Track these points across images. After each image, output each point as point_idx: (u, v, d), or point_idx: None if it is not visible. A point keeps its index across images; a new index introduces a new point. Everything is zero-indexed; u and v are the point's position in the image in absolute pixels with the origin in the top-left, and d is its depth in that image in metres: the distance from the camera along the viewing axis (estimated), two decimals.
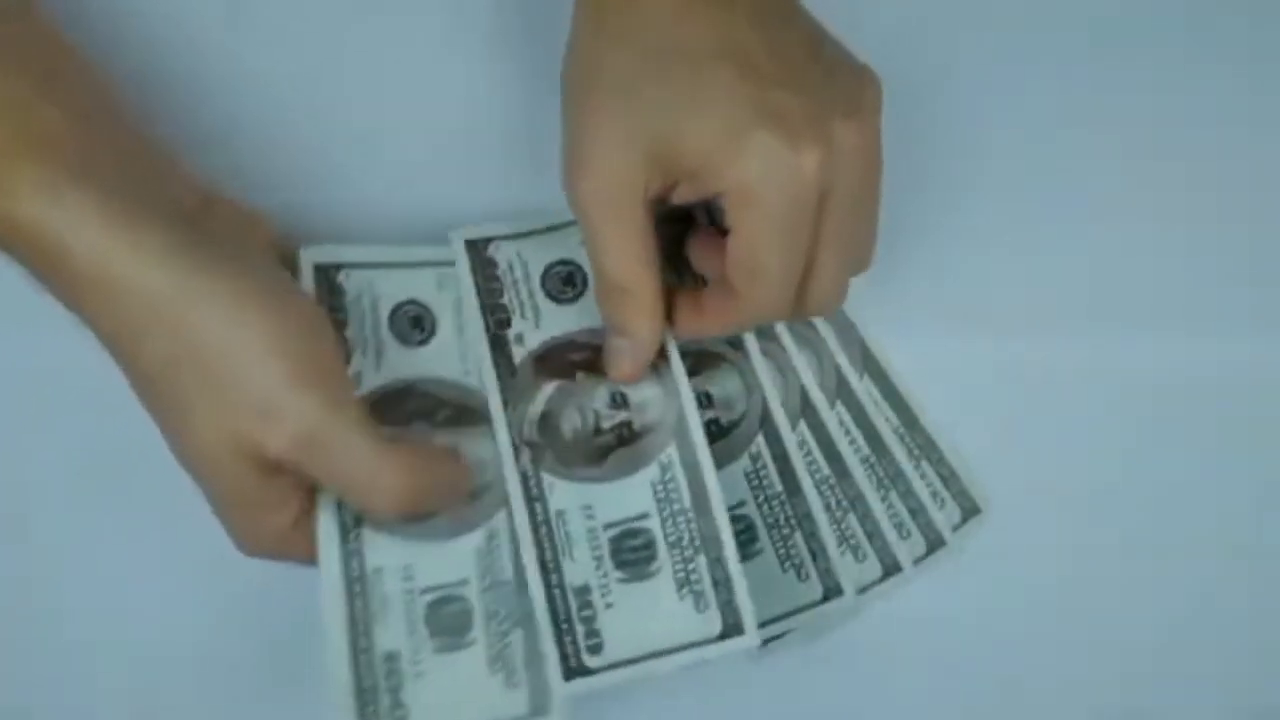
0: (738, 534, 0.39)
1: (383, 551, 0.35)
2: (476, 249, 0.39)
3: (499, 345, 0.38)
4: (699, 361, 0.41)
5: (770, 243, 0.32)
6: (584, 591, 0.35)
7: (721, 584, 0.35)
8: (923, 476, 0.43)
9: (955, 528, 0.43)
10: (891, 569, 0.41)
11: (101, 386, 0.38)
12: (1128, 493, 0.43)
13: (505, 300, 0.39)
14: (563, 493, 0.36)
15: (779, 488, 0.41)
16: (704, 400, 0.40)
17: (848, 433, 0.43)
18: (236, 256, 0.32)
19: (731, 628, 0.34)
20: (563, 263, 0.40)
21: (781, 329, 0.43)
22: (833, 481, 0.42)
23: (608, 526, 0.36)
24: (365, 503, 0.33)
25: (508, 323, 0.38)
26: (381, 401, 0.37)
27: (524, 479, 0.36)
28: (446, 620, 0.35)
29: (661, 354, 0.37)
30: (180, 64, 0.41)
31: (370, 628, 0.34)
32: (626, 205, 0.33)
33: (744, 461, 0.40)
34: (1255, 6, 0.46)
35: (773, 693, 0.42)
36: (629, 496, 0.36)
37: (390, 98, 0.42)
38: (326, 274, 0.38)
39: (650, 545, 0.35)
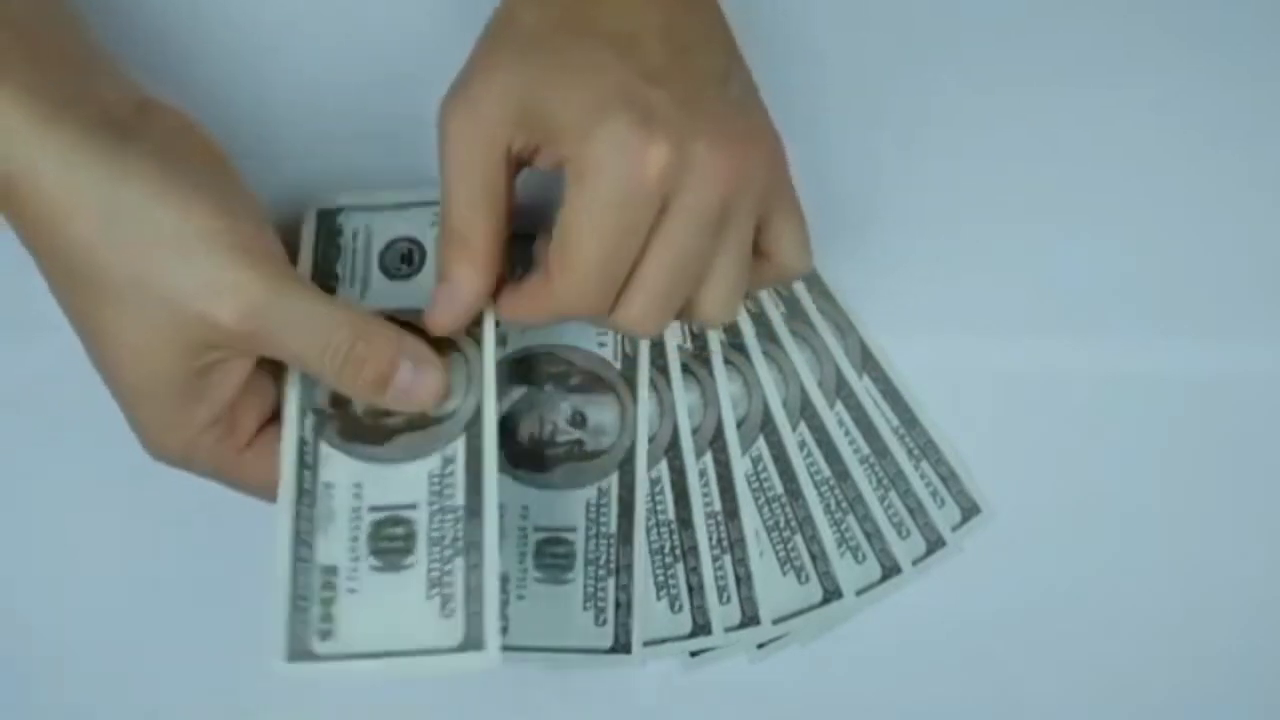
0: (556, 557, 0.39)
1: (336, 467, 0.35)
2: (328, 218, 0.39)
3: None
4: (588, 382, 0.41)
5: (590, 223, 0.32)
6: (331, 572, 0.34)
7: (474, 593, 0.34)
8: (922, 476, 0.43)
9: (955, 528, 0.42)
10: (891, 570, 0.41)
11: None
12: (1128, 493, 0.43)
13: (338, 268, 0.38)
14: (337, 466, 0.35)
15: (779, 490, 0.40)
16: (578, 419, 0.40)
17: (847, 433, 0.43)
18: (173, 156, 0.33)
19: (472, 641, 0.33)
20: (406, 239, 0.39)
21: (780, 329, 0.43)
22: (832, 483, 0.42)
23: (373, 509, 0.35)
24: (327, 365, 0.33)
25: (333, 290, 0.38)
26: None
27: (300, 445, 0.35)
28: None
29: (478, 345, 0.36)
30: None
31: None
32: (487, 149, 0.33)
33: (589, 491, 0.40)
34: (1260, 6, 0.46)
35: (773, 693, 0.42)
36: (404, 483, 0.35)
37: (300, 54, 0.43)
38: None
39: (411, 537, 0.35)
